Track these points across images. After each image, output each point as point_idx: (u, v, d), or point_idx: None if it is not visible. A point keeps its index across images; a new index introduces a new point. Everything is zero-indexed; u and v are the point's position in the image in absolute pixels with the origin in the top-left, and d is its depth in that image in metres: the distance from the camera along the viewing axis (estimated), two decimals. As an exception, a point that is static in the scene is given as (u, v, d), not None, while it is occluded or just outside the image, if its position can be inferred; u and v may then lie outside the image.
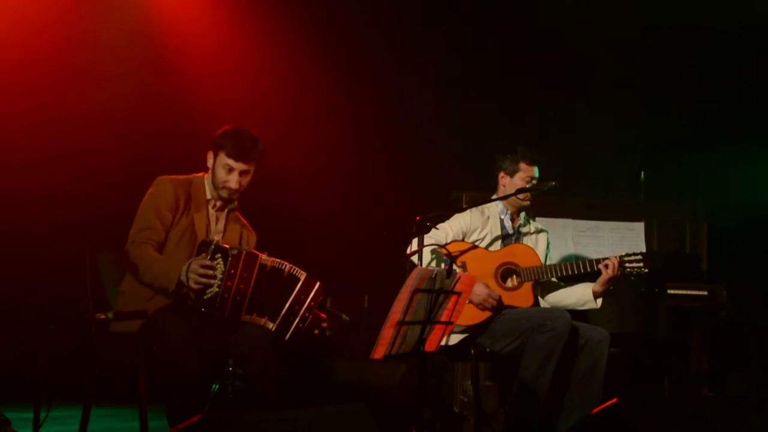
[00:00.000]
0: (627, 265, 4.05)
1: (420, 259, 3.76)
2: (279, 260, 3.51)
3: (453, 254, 3.84)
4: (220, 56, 6.07)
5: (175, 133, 5.65)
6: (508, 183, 4.25)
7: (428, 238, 3.87)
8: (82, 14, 5.72)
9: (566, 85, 6.14)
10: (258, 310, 3.46)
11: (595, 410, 3.33)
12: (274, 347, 3.41)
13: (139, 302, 3.42)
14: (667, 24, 6.08)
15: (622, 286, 4.45)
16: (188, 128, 4.79)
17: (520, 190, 4.17)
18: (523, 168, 4.21)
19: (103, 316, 3.21)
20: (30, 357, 3.14)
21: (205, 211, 3.65)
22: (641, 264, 4.03)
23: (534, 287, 4.15)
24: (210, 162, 3.65)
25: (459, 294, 3.08)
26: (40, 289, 5.41)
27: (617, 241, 5.07)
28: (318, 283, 3.51)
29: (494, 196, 4.30)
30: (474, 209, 4.26)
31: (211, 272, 3.33)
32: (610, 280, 4.06)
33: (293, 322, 3.48)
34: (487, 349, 4.04)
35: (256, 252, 3.51)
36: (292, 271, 3.50)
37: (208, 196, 3.68)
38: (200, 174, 3.72)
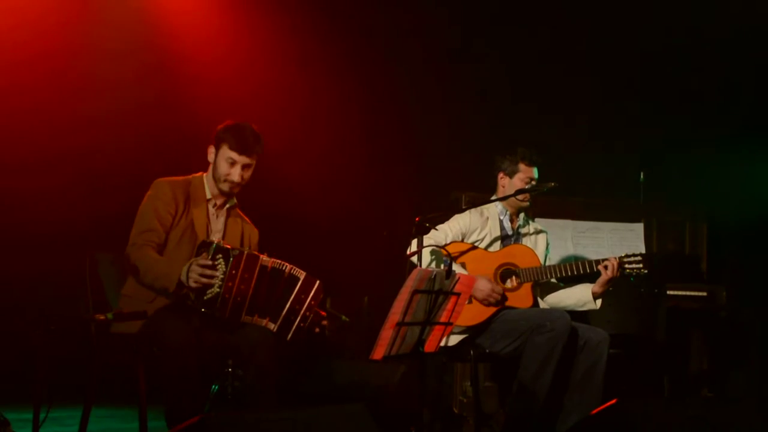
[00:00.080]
0: (626, 266, 4.04)
1: (419, 259, 3.77)
2: (279, 261, 3.51)
3: (452, 255, 3.84)
4: (225, 60, 6.07)
5: (177, 135, 5.65)
6: (507, 184, 4.25)
7: (428, 239, 3.88)
8: (86, 18, 5.72)
9: (566, 85, 6.14)
10: (259, 311, 3.47)
11: (595, 411, 3.33)
12: (275, 348, 3.42)
13: (142, 305, 3.43)
14: (667, 24, 6.08)
15: (622, 287, 4.45)
16: (190, 130, 4.79)
17: (519, 191, 4.18)
18: (522, 169, 4.21)
19: (102, 317, 3.21)
20: (30, 357, 3.14)
21: (204, 211, 3.66)
22: (641, 265, 4.03)
23: (533, 288, 4.15)
24: (211, 156, 3.67)
25: (458, 295, 3.09)
26: (40, 289, 5.41)
27: (617, 241, 5.07)
28: (318, 282, 3.52)
29: (493, 197, 4.30)
30: (473, 210, 4.26)
31: (211, 272, 3.33)
32: (610, 281, 4.06)
33: (294, 322, 3.49)
34: (487, 350, 4.04)
35: (257, 253, 3.51)
36: (292, 271, 3.51)
37: (208, 195, 3.69)
38: (199, 174, 3.73)
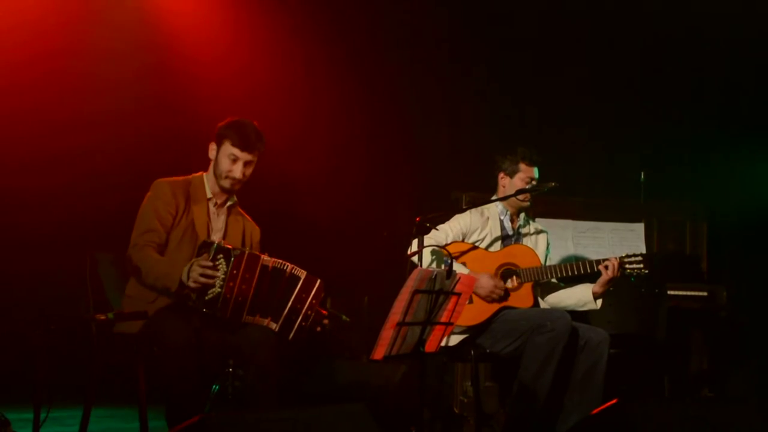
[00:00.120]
0: (627, 266, 4.04)
1: (420, 259, 3.76)
2: (281, 261, 3.51)
3: (453, 255, 3.84)
4: (225, 59, 6.07)
5: (177, 135, 5.65)
6: (507, 184, 4.25)
7: (428, 239, 3.88)
8: (86, 18, 5.72)
9: (566, 85, 6.14)
10: (261, 311, 3.47)
11: (595, 411, 3.33)
12: (276, 348, 3.42)
13: (144, 306, 3.43)
14: (668, 24, 6.08)
15: (622, 287, 4.45)
16: (191, 130, 4.79)
17: (519, 191, 4.18)
18: (522, 169, 4.21)
19: (103, 317, 3.21)
20: (30, 357, 3.14)
21: (205, 210, 3.66)
22: (641, 265, 4.03)
23: (534, 288, 4.15)
24: (212, 153, 3.67)
25: (459, 295, 3.08)
26: (40, 289, 5.41)
27: (617, 241, 5.07)
28: (319, 281, 3.53)
29: (494, 197, 4.30)
30: (473, 210, 4.26)
31: (212, 272, 3.33)
32: (610, 281, 4.06)
33: (296, 321, 3.49)
34: (487, 350, 4.04)
35: (258, 253, 3.51)
36: (293, 270, 3.52)
37: (208, 195, 3.69)
38: (199, 173, 3.73)
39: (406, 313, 2.90)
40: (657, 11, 6.07)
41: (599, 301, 4.15)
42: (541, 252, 4.27)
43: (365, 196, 6.17)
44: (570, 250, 5.06)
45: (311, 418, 2.80)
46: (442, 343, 3.23)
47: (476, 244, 4.19)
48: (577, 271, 4.07)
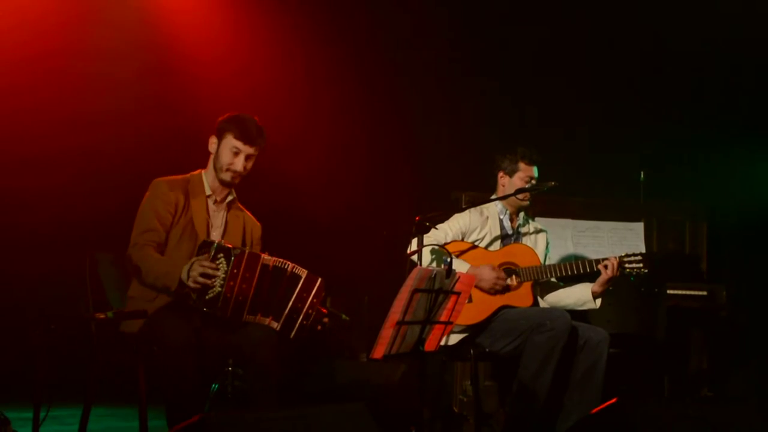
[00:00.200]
0: (626, 265, 4.05)
1: (419, 258, 3.77)
2: (281, 260, 3.51)
3: (452, 254, 3.84)
4: (225, 59, 6.08)
5: (178, 135, 5.65)
6: (507, 183, 4.25)
7: (428, 238, 3.88)
8: (86, 17, 5.72)
9: (566, 85, 6.14)
10: (262, 310, 3.47)
11: (595, 410, 3.33)
12: (277, 347, 3.42)
13: (145, 305, 3.44)
14: (668, 24, 6.08)
15: (622, 287, 4.45)
16: (191, 130, 4.79)
17: (519, 190, 4.18)
18: (522, 168, 4.21)
19: (102, 316, 3.21)
20: (30, 356, 3.14)
21: (204, 207, 3.67)
22: (641, 264, 4.03)
23: (533, 287, 4.15)
24: (213, 146, 3.68)
25: (458, 294, 3.09)
26: (40, 288, 5.41)
27: (617, 241, 5.07)
28: (320, 279, 3.53)
29: (493, 196, 4.30)
30: (473, 209, 4.26)
31: (212, 272, 3.34)
32: (610, 281, 4.06)
33: (297, 320, 3.50)
34: (487, 349, 4.04)
35: (259, 252, 3.51)
36: (294, 269, 3.52)
37: (208, 192, 3.69)
38: (197, 171, 3.74)
39: (405, 312, 2.90)
40: (657, 11, 6.06)
41: (599, 301, 4.15)
42: (540, 251, 4.28)
43: (365, 196, 6.17)
44: (569, 249, 5.06)
45: (311, 417, 2.80)
46: (442, 342, 3.23)
47: (476, 243, 4.19)
48: (576, 271, 4.07)
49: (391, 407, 4.39)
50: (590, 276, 4.11)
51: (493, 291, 4.02)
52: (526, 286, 4.11)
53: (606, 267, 4.03)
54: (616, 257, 4.05)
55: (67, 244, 4.86)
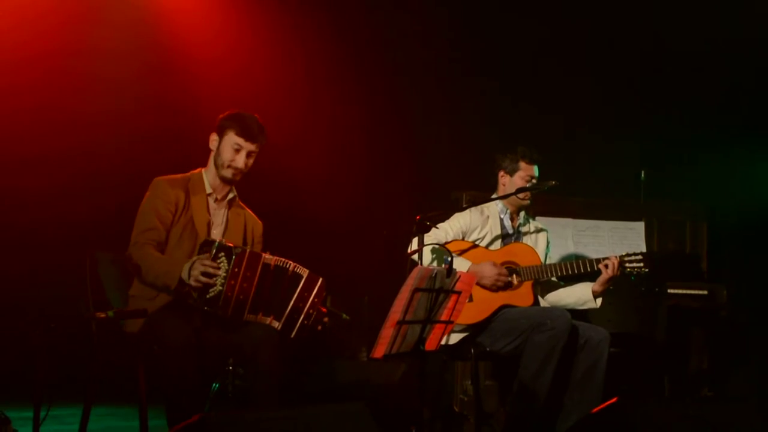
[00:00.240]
0: (627, 265, 4.05)
1: (420, 258, 3.77)
2: (283, 259, 3.52)
3: (453, 253, 3.84)
4: (226, 59, 6.07)
5: (178, 134, 5.65)
6: (507, 182, 4.25)
7: (428, 238, 3.88)
8: (86, 17, 5.72)
9: (566, 84, 6.14)
10: (263, 309, 3.47)
11: (595, 410, 3.33)
12: (278, 346, 3.42)
13: (146, 304, 3.44)
14: (668, 24, 6.08)
15: (622, 286, 4.45)
16: (191, 130, 4.80)
17: (519, 190, 4.18)
18: (522, 167, 4.21)
19: (102, 315, 3.21)
20: (30, 357, 3.13)
21: (204, 206, 3.67)
22: (641, 264, 4.03)
23: (534, 286, 4.15)
24: (213, 144, 3.68)
25: (459, 293, 3.08)
26: (40, 288, 5.41)
27: (617, 240, 5.07)
28: (321, 279, 3.53)
29: (494, 196, 4.30)
30: (473, 209, 4.26)
31: (213, 271, 3.34)
32: (610, 280, 4.06)
33: (298, 320, 3.50)
34: (487, 349, 4.04)
35: (260, 252, 3.52)
36: (295, 269, 3.52)
37: (208, 190, 3.69)
38: (197, 170, 3.74)
39: (406, 312, 2.89)
40: (657, 11, 6.06)
41: (599, 300, 4.16)
42: (541, 250, 4.28)
43: (365, 195, 6.17)
44: (570, 248, 5.06)
45: (311, 417, 2.80)
46: (442, 342, 3.23)
47: (476, 243, 4.19)
48: (577, 270, 4.07)
49: (391, 407, 4.39)
50: (591, 275, 4.11)
51: (495, 288, 4.02)
52: (527, 286, 4.11)
53: (606, 266, 4.03)
54: (616, 257, 4.05)
55: (67, 244, 4.86)
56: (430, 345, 3.13)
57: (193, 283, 3.33)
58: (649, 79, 6.27)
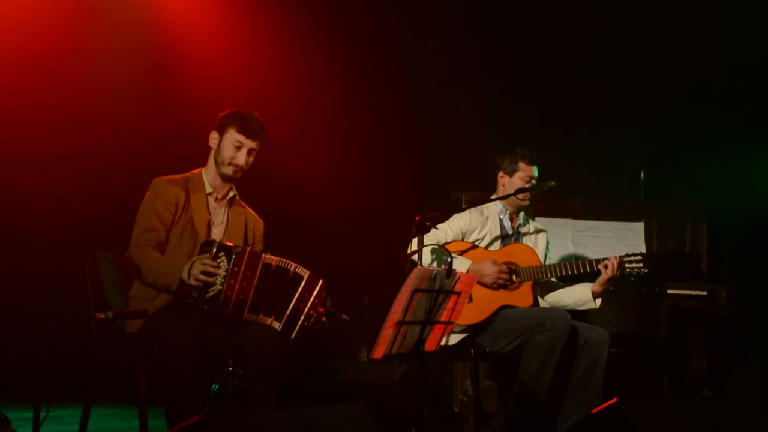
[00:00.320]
0: (627, 265, 4.05)
1: (420, 258, 3.77)
2: (284, 259, 3.52)
3: (453, 254, 3.84)
4: (226, 59, 6.07)
5: (178, 134, 5.65)
6: (507, 183, 4.25)
7: (428, 238, 3.88)
8: (86, 17, 5.72)
9: (566, 85, 6.14)
10: (264, 309, 3.47)
11: (595, 410, 3.33)
12: (279, 346, 3.42)
13: (146, 304, 3.44)
14: (668, 24, 6.08)
15: (622, 286, 4.45)
16: (191, 130, 4.80)
17: (519, 190, 4.18)
18: (522, 167, 4.21)
19: (102, 315, 3.21)
20: (30, 357, 3.13)
21: (204, 205, 3.67)
22: (641, 264, 4.03)
23: (533, 287, 4.15)
24: (214, 141, 3.68)
25: (459, 294, 3.08)
26: (40, 288, 5.40)
27: (617, 241, 5.07)
28: (321, 281, 3.53)
29: (493, 196, 4.30)
30: (473, 209, 4.26)
31: (213, 270, 3.34)
32: (610, 281, 4.06)
33: (298, 321, 3.49)
34: (487, 349, 4.04)
35: (260, 252, 3.52)
36: (296, 270, 3.52)
37: (208, 189, 3.69)
38: (197, 170, 3.74)
39: (405, 312, 2.89)
40: (657, 11, 6.06)
41: (599, 300, 4.15)
42: (540, 251, 4.28)
43: (365, 196, 6.17)
44: (570, 249, 5.06)
45: (311, 417, 2.80)
46: (442, 342, 3.23)
47: (476, 243, 4.19)
48: (576, 270, 4.07)
49: (391, 407, 4.39)
50: (590, 276, 4.11)
51: (496, 286, 4.03)
52: (527, 286, 4.11)
53: (606, 267, 4.03)
54: (616, 257, 4.05)
55: (67, 244, 4.86)
56: (429, 345, 3.13)
57: (193, 282, 3.33)
58: (649, 79, 6.27)
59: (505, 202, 4.28)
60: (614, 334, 4.06)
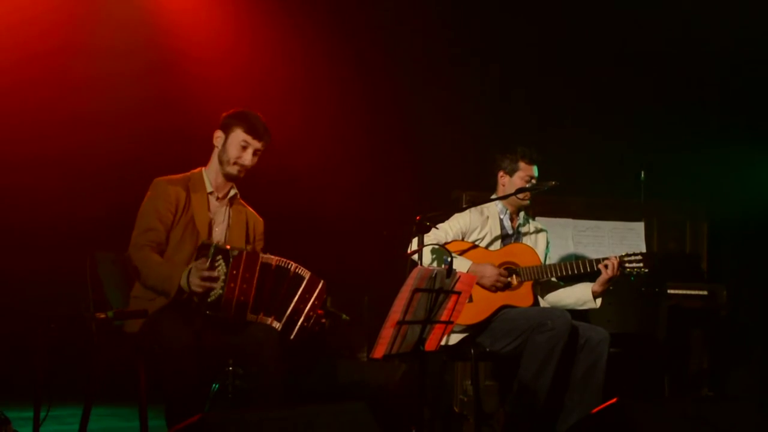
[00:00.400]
0: (627, 265, 4.05)
1: (420, 258, 3.77)
2: (285, 259, 3.51)
3: (453, 253, 3.84)
4: (226, 58, 6.07)
5: (178, 134, 5.65)
6: (507, 182, 4.25)
7: (428, 238, 3.88)
8: (87, 16, 5.72)
9: (566, 84, 6.14)
10: (264, 309, 3.47)
11: (595, 410, 3.33)
12: (279, 346, 3.42)
13: (146, 304, 3.43)
14: (668, 24, 6.08)
15: (622, 286, 4.45)
16: (192, 129, 4.81)
17: (519, 190, 4.18)
18: (522, 167, 4.21)
19: (103, 315, 3.21)
20: (30, 356, 3.13)
21: (205, 205, 3.66)
22: (641, 264, 4.03)
23: (534, 287, 4.15)
24: (218, 141, 3.67)
25: (459, 293, 3.08)
26: (40, 288, 5.41)
27: (617, 240, 5.07)
28: (322, 282, 3.53)
29: (494, 196, 4.30)
30: (473, 209, 4.26)
31: (211, 275, 3.33)
32: (610, 280, 4.06)
33: (298, 322, 3.49)
34: (487, 349, 4.04)
35: (259, 251, 3.51)
36: (297, 270, 3.52)
37: (209, 189, 3.69)
38: (198, 169, 3.73)
39: (406, 312, 2.89)
40: (657, 12, 6.06)
41: (599, 300, 4.16)
42: (540, 251, 4.28)
43: (365, 195, 6.17)
44: (570, 249, 5.06)
45: (311, 417, 2.79)
46: (442, 342, 3.23)
47: (476, 243, 4.19)
48: (576, 270, 4.07)
49: (391, 407, 4.39)
50: (591, 275, 4.11)
51: (495, 288, 4.03)
52: (527, 286, 4.11)
53: (606, 266, 4.03)
54: (616, 257, 4.05)
55: (67, 244, 4.86)
56: (430, 345, 3.13)
57: (194, 288, 3.33)
58: (649, 78, 6.27)
59: (505, 201, 4.27)
60: (614, 334, 4.06)
